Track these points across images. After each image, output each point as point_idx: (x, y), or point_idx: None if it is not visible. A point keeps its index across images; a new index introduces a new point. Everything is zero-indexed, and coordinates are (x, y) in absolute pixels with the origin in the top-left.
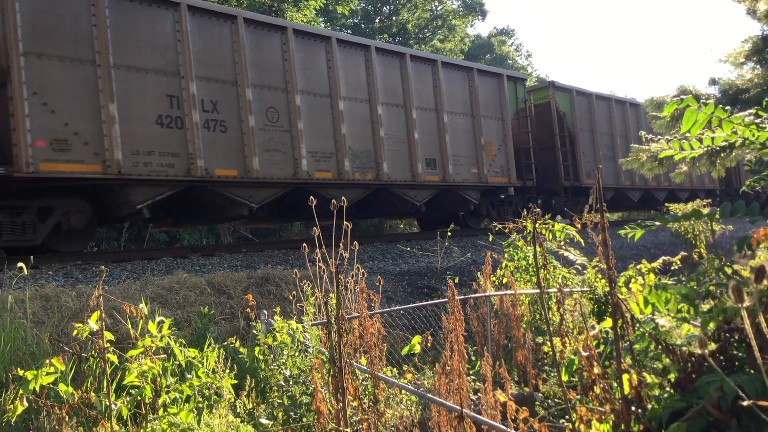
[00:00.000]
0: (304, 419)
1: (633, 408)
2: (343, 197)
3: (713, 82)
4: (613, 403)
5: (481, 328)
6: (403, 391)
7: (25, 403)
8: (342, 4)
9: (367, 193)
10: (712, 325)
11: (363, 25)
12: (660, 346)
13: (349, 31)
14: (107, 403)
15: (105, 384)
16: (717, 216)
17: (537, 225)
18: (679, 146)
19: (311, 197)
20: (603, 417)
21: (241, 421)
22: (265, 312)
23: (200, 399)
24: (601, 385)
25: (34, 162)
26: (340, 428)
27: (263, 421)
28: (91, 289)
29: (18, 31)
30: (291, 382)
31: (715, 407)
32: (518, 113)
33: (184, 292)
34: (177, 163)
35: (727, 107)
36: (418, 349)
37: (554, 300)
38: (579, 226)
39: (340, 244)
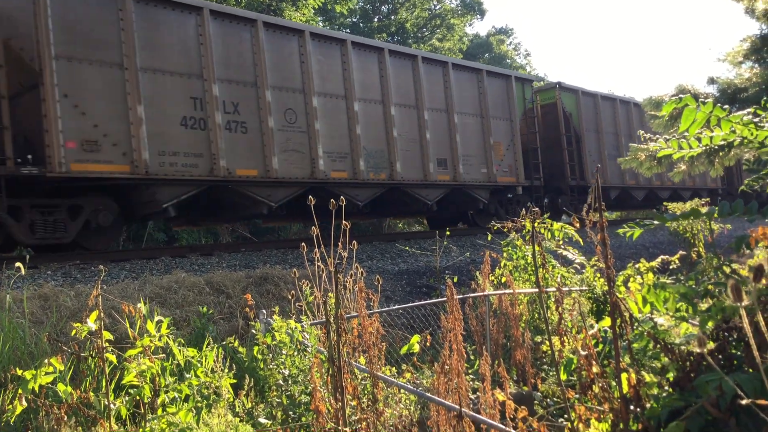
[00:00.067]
0: (303, 418)
1: (631, 407)
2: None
3: (712, 81)
4: (612, 402)
5: (480, 328)
6: (402, 391)
7: (24, 403)
8: (340, 4)
9: (381, 192)
10: (710, 324)
11: (361, 25)
12: (659, 345)
13: (348, 31)
14: (106, 402)
15: (104, 384)
16: (715, 215)
17: (536, 224)
18: (677, 145)
19: (332, 200)
20: (602, 416)
21: (240, 421)
22: (264, 311)
23: (199, 398)
24: (600, 384)
25: (65, 162)
26: (339, 427)
27: (262, 420)
28: (90, 288)
29: (50, 36)
30: (290, 382)
31: (713, 406)
32: (526, 113)
33: (182, 292)
34: (201, 163)
35: (726, 106)
36: (416, 348)
37: (553, 299)
38: (578, 225)
39: (339, 244)
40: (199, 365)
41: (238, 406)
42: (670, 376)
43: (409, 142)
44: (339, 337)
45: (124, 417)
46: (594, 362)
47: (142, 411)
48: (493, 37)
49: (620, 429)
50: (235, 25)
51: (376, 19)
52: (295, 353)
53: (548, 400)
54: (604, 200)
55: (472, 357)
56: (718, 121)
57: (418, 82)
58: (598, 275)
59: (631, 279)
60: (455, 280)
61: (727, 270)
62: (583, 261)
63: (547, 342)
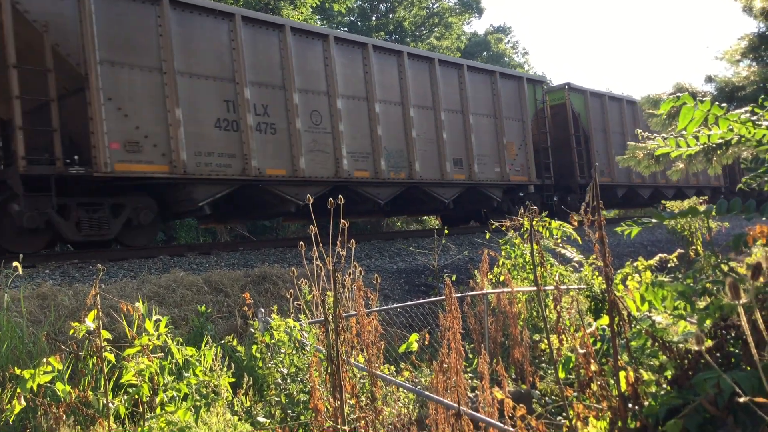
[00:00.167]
0: (302, 417)
1: (630, 405)
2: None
3: (709, 79)
4: (610, 400)
5: (479, 326)
6: (401, 389)
7: (23, 402)
8: (338, 2)
9: (401, 190)
10: (708, 322)
11: (359, 23)
12: (657, 343)
13: (346, 29)
14: (104, 401)
15: (102, 383)
16: (713, 213)
17: (534, 223)
18: (675, 143)
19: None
20: (600, 414)
21: (239, 420)
22: (263, 310)
23: (198, 397)
24: (598, 383)
25: (110, 163)
26: (338, 426)
27: (261, 419)
28: (88, 287)
29: (95, 42)
30: (288, 380)
31: (711, 404)
32: (537, 114)
33: (181, 291)
34: (233, 163)
35: (724, 104)
36: (415, 347)
37: (551, 297)
38: (576, 223)
39: (337, 242)
40: (197, 364)
41: (237, 405)
42: (669, 374)
43: (426, 142)
44: (337, 336)
45: (122, 416)
46: (592, 360)
47: (141, 410)
48: (491, 35)
49: (618, 427)
50: (265, 30)
51: (374, 18)
52: (294, 352)
53: (547, 398)
54: (612, 198)
55: (470, 355)
56: (716, 119)
57: (435, 84)
58: (597, 273)
59: (630, 277)
60: (453, 278)
61: (725, 268)
62: (582, 259)
63: (546, 340)
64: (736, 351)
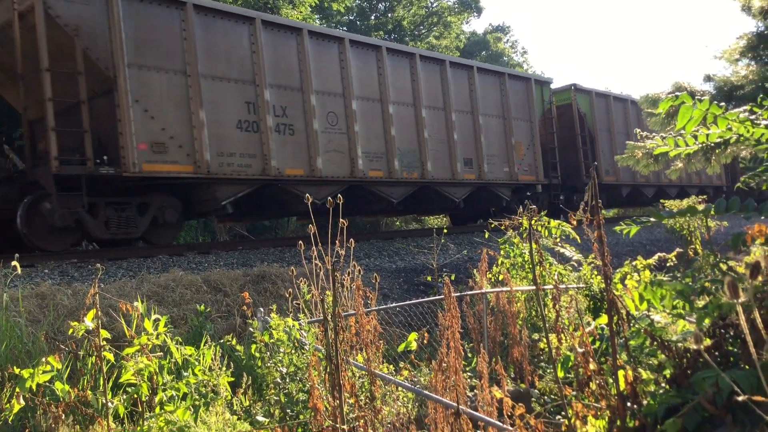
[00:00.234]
0: (301, 416)
1: (628, 404)
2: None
3: (708, 78)
4: (609, 399)
5: (478, 325)
6: (400, 388)
7: (22, 402)
8: (337, 1)
9: (413, 190)
10: (707, 321)
11: (358, 22)
12: (655, 342)
13: (345, 28)
14: (104, 401)
15: (101, 382)
16: (712, 212)
17: (533, 222)
18: (674, 143)
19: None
20: (599, 413)
21: (238, 419)
22: (262, 309)
23: (197, 397)
24: (597, 382)
25: (138, 163)
26: (337, 425)
27: (260, 418)
28: (87, 287)
29: (123, 46)
30: (288, 380)
31: (710, 403)
32: (544, 115)
33: (180, 290)
34: (254, 163)
35: (722, 104)
36: (414, 346)
37: (550, 297)
38: (575, 222)
39: (336, 242)
40: (196, 363)
41: (236, 405)
42: (667, 373)
43: (438, 142)
44: (336, 335)
45: (121, 415)
46: (591, 359)
47: (140, 409)
48: (490, 34)
49: (617, 426)
50: (283, 33)
51: (373, 17)
52: (293, 351)
53: (546, 397)
54: (617, 197)
55: (469, 354)
56: (715, 118)
57: (446, 86)
58: (596, 273)
59: (628, 276)
60: (453, 277)
61: (724, 267)
62: (580, 258)
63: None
64: (735, 350)
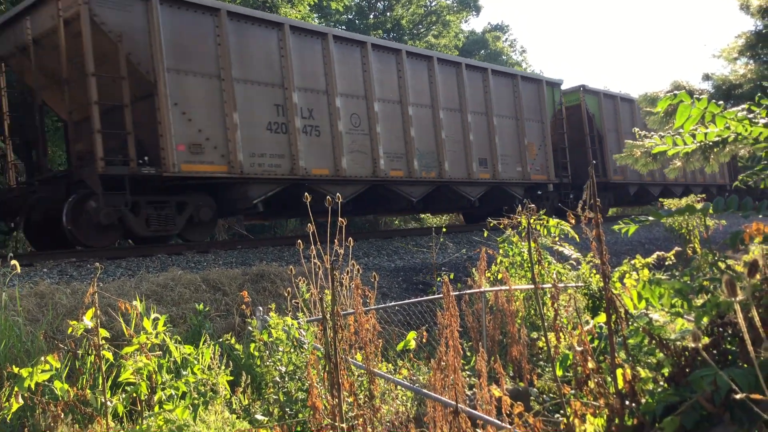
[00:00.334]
0: (300, 415)
1: (627, 402)
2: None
3: (707, 77)
4: (608, 397)
5: (477, 324)
6: (399, 387)
7: (20, 401)
8: (336, 0)
9: (432, 189)
10: (705, 320)
11: (357, 21)
12: (654, 341)
13: (344, 27)
14: (103, 400)
15: (100, 381)
16: (710, 211)
17: (532, 221)
18: (672, 142)
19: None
20: (597, 411)
21: (237, 418)
22: (261, 308)
23: (196, 395)
24: (596, 380)
25: (177, 163)
26: (336, 424)
27: (259, 417)
28: (86, 286)
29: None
30: (286, 379)
31: (708, 401)
32: (555, 115)
33: (179, 289)
34: (283, 163)
35: (721, 102)
36: (413, 344)
37: (549, 295)
38: (573, 221)
39: (335, 241)
40: (195, 362)
41: (235, 403)
42: (666, 371)
43: (454, 143)
44: (335, 334)
45: (121, 414)
46: (590, 358)
47: (139, 408)
48: (488, 33)
49: (616, 424)
50: (309, 38)
51: (371, 16)
52: (292, 350)
53: (544, 396)
54: (625, 196)
55: (468, 353)
56: (713, 117)
57: (462, 88)
58: (594, 271)
59: (627, 275)
60: (451, 276)
61: (722, 266)
62: (579, 257)
63: (543, 338)
64: (733, 348)
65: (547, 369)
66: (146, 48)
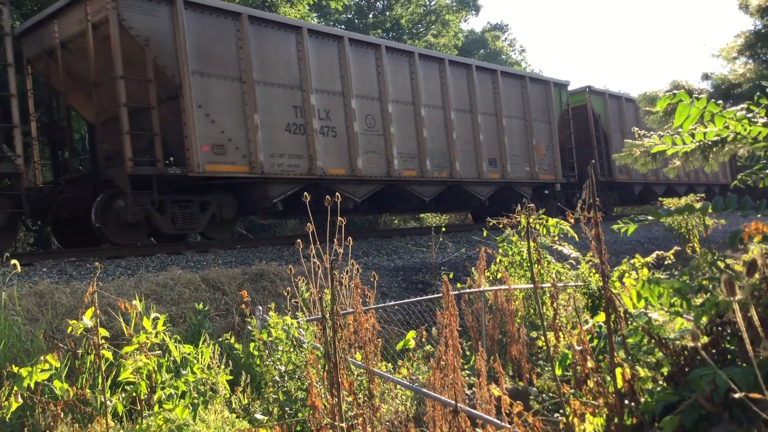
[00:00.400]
0: (300, 414)
1: (626, 401)
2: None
3: (706, 76)
4: (607, 396)
5: (476, 323)
6: (398, 386)
7: (20, 400)
8: (336, 0)
9: (443, 189)
10: (704, 319)
11: (356, 21)
12: (653, 340)
13: (343, 27)
14: (102, 399)
15: (100, 380)
16: (709, 210)
17: (531, 220)
18: (671, 141)
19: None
20: (596, 411)
21: (237, 417)
22: (260, 308)
23: (195, 395)
24: (595, 379)
25: (201, 164)
26: (336, 423)
27: (258, 416)
28: (85, 285)
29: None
30: (286, 378)
31: (707, 400)
32: (562, 116)
33: (178, 289)
34: (301, 163)
35: (720, 102)
36: (412, 344)
37: (548, 295)
38: (572, 220)
39: (335, 240)
40: (195, 362)
41: (235, 403)
42: (665, 370)
43: (465, 143)
44: (335, 334)
45: (120, 414)
46: (589, 357)
47: (139, 407)
48: (488, 33)
49: (615, 423)
50: (326, 41)
51: (371, 15)
52: (291, 349)
53: (544, 395)
54: (630, 195)
55: (467, 352)
56: (712, 116)
57: (472, 89)
58: (593, 271)
59: (626, 274)
60: (451, 276)
61: (722, 265)
62: (579, 256)
63: (543, 337)
64: (732, 347)
65: (546, 368)
66: (172, 51)
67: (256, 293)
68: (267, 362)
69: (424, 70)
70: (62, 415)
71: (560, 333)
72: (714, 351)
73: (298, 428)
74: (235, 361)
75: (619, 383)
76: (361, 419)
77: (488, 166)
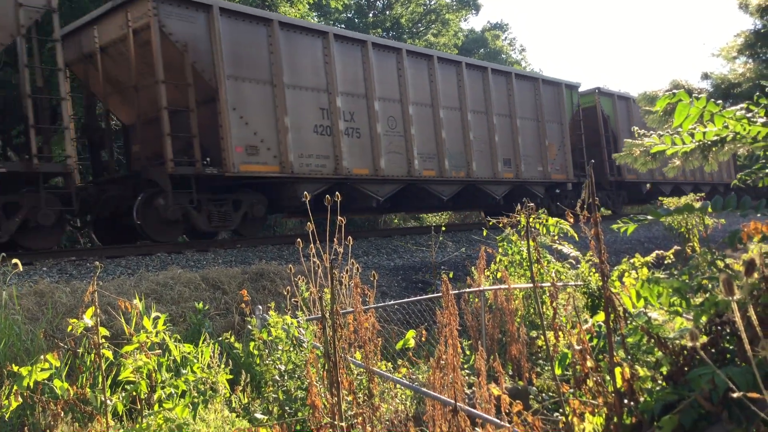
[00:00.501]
0: (300, 414)
1: (625, 401)
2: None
3: (706, 76)
4: (606, 396)
5: (476, 323)
6: (398, 386)
7: (20, 399)
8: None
9: (461, 188)
10: (703, 319)
11: (356, 20)
12: (652, 340)
13: (342, 26)
14: (102, 398)
15: (100, 380)
16: (709, 209)
17: (530, 220)
18: (671, 141)
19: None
20: (596, 410)
21: (237, 416)
22: (260, 307)
23: (195, 394)
24: (594, 379)
25: (236, 164)
26: (335, 422)
27: (258, 415)
28: (86, 284)
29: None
30: (286, 377)
31: (706, 399)
32: (573, 117)
33: (178, 288)
34: (328, 164)
35: (719, 101)
36: (412, 343)
37: (548, 294)
38: (572, 220)
39: (335, 239)
40: (195, 361)
41: (235, 402)
42: (664, 370)
43: (481, 144)
44: (335, 333)
45: (120, 413)
46: (588, 357)
47: (139, 407)
48: (488, 32)
49: (614, 423)
50: (350, 45)
51: (371, 15)
52: (291, 349)
53: (543, 394)
54: (638, 194)
55: (467, 352)
56: (712, 116)
57: (488, 91)
58: (593, 270)
59: (626, 274)
60: (451, 275)
61: (721, 264)
62: (579, 256)
63: (542, 337)
64: (731, 347)
65: (546, 368)
66: (209, 56)
67: (256, 292)
68: (267, 361)
69: (442, 72)
70: (62, 414)
71: (560, 332)
72: (713, 350)
73: (298, 427)
74: (235, 360)
75: (619, 383)
76: (360, 418)
77: (503, 166)
